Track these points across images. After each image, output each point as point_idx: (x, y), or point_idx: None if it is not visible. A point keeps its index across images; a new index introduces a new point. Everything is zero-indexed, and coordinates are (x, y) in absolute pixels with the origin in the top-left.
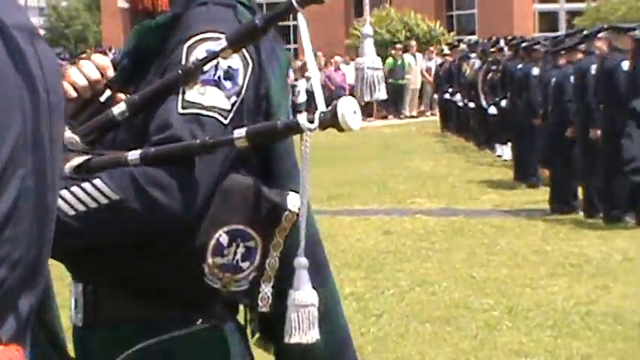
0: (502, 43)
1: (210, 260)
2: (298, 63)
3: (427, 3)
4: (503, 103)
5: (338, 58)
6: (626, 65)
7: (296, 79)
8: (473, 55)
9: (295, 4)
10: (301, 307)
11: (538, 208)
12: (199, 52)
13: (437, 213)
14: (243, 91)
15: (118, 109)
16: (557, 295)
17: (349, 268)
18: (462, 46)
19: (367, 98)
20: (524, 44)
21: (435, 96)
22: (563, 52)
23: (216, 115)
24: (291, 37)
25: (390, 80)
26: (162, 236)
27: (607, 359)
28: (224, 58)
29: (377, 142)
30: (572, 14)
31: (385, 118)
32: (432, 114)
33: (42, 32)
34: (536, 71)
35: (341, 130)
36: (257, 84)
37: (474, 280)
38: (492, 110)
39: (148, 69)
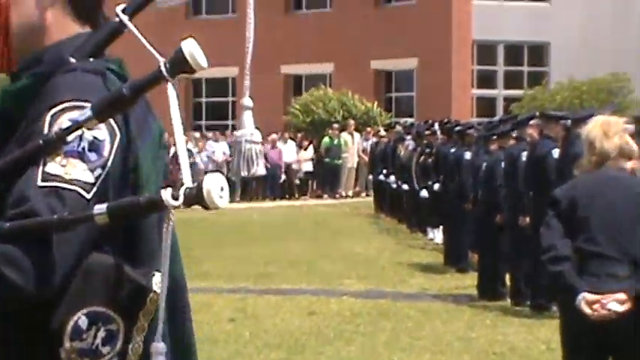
0: (436, 126)
1: (67, 344)
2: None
3: (366, 84)
4: (436, 186)
5: (274, 136)
6: (556, 153)
7: (231, 156)
8: (408, 137)
9: (165, 73)
10: None
11: (466, 293)
12: (63, 122)
13: (364, 295)
14: (108, 164)
15: None
16: None
17: (270, 349)
18: (398, 127)
19: (244, 174)
20: (457, 128)
21: (370, 177)
22: (495, 137)
23: (77, 188)
24: (229, 112)
25: (327, 159)
26: (14, 318)
27: None
28: (89, 128)
29: (310, 222)
30: (510, 100)
31: (320, 197)
32: (368, 195)
33: None
34: (468, 155)
35: (206, 207)
36: (125, 156)
37: None
38: (424, 193)
39: (10, 135)
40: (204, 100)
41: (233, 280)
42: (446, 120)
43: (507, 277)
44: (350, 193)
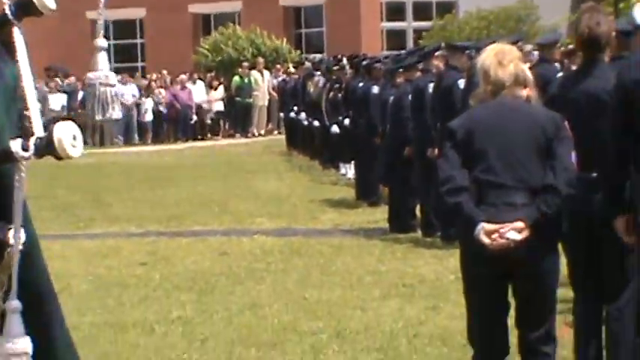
0: (345, 61)
1: None
2: (144, 82)
3: (275, 21)
4: (347, 121)
5: (183, 77)
6: (462, 84)
7: (141, 98)
8: (317, 73)
9: (11, 17)
10: (13, 357)
11: (377, 227)
12: None
13: (276, 233)
14: None
15: None
16: (388, 317)
17: (180, 291)
18: (307, 64)
19: (99, 117)
20: (364, 62)
21: (281, 114)
22: (401, 70)
23: None
24: (138, 54)
25: (238, 99)
26: None
27: None
28: None
29: (221, 161)
30: (420, 32)
31: (232, 137)
32: (280, 132)
33: None
34: (376, 89)
35: (59, 157)
36: None
37: (306, 301)
38: (335, 129)
39: None
40: (112, 42)
41: (143, 224)
42: (354, 55)
43: (418, 209)
44: (262, 131)
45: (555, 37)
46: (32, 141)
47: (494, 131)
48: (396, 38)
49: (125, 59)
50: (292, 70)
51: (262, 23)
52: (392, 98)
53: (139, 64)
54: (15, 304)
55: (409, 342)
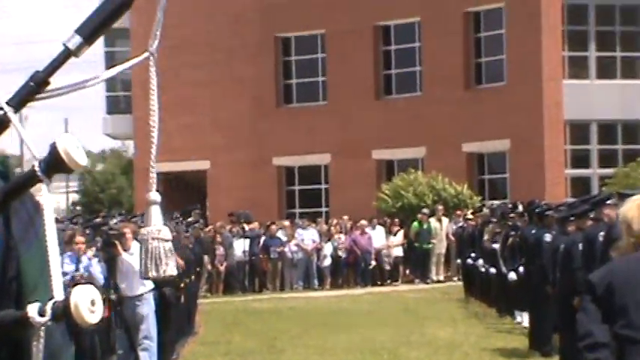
0: (520, 207)
1: None
2: (325, 227)
3: (458, 167)
4: (521, 269)
5: (363, 222)
6: None
7: (320, 243)
8: (494, 219)
9: (40, 173)
10: None
11: None
12: None
13: None
14: None
15: None
16: None
17: None
18: (485, 210)
19: (153, 274)
20: (536, 210)
21: (459, 261)
22: (572, 218)
23: None
24: (322, 199)
25: (416, 244)
26: None
27: None
28: None
29: (398, 308)
30: (605, 179)
31: (411, 282)
32: (459, 279)
33: (76, 196)
34: (548, 237)
35: (75, 323)
36: (4, 264)
37: None
38: (512, 276)
39: None
40: (297, 187)
41: None
42: (531, 201)
43: None
44: (441, 277)
45: None
46: (49, 305)
47: (636, 286)
48: (580, 185)
49: (309, 205)
50: (470, 216)
51: (445, 169)
52: (562, 247)
53: (323, 209)
54: None
55: None
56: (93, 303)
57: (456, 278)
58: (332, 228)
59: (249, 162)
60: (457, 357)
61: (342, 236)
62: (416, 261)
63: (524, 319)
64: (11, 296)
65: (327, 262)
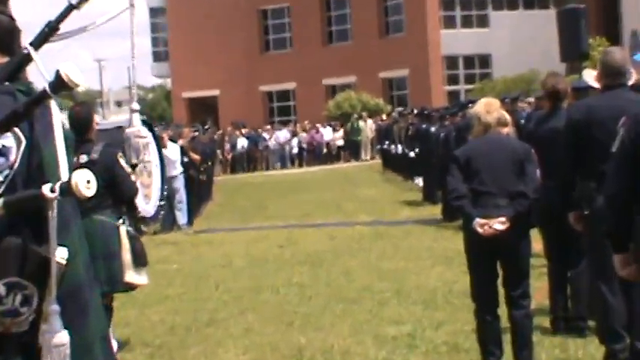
0: (415, 110)
1: None
2: (292, 128)
3: (377, 87)
4: (417, 150)
5: (318, 125)
6: None
7: (291, 138)
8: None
9: (49, 91)
10: (54, 348)
11: (435, 218)
12: None
13: (369, 224)
14: (15, 166)
15: None
16: (432, 279)
17: (300, 265)
18: (394, 114)
19: (134, 160)
20: (425, 111)
21: (378, 146)
22: (447, 116)
23: None
24: (291, 112)
25: (351, 137)
26: None
27: (456, 324)
28: None
29: (340, 177)
30: (468, 92)
31: (349, 161)
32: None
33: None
34: (433, 129)
35: (76, 197)
36: (29, 157)
37: (381, 269)
38: (411, 155)
39: None
40: (275, 104)
41: (286, 219)
42: (423, 107)
43: None
44: (368, 157)
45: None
46: (58, 185)
47: (485, 157)
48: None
49: (283, 115)
50: (385, 117)
51: (368, 89)
52: (442, 135)
53: (292, 117)
54: (55, 307)
55: (444, 296)
56: (88, 182)
57: (377, 157)
58: (298, 128)
59: (244, 89)
60: (378, 207)
61: (304, 134)
62: (351, 148)
63: (419, 181)
64: (37, 181)
65: (295, 150)
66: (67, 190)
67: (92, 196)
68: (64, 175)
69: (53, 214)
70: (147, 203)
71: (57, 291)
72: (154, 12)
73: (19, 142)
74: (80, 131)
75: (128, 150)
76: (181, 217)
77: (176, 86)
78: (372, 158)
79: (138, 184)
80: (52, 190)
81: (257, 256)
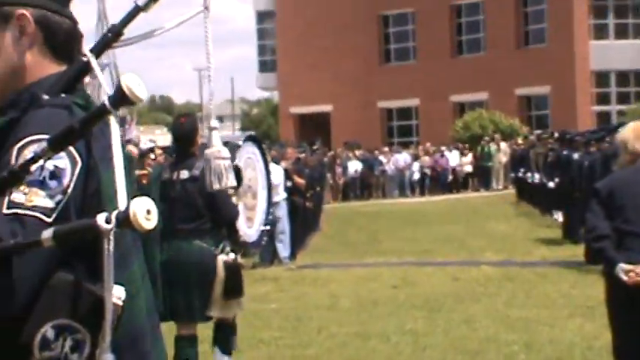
0: (556, 134)
1: (37, 355)
2: (413, 151)
3: (511, 106)
4: (557, 179)
5: (442, 147)
6: None
7: (412, 162)
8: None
9: (109, 106)
10: None
11: (576, 260)
12: (27, 154)
13: (498, 264)
14: (69, 190)
15: None
16: (569, 332)
17: (416, 309)
18: (531, 137)
19: (216, 186)
20: (567, 136)
21: (512, 174)
22: (593, 142)
23: (38, 214)
24: (413, 132)
25: (481, 163)
26: None
27: None
28: (49, 158)
29: (467, 209)
30: (620, 114)
31: (478, 190)
32: (513, 187)
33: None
34: (576, 156)
35: (134, 229)
36: (86, 181)
37: (508, 318)
38: (551, 185)
39: None
40: (395, 123)
41: (402, 255)
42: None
43: None
44: (500, 187)
45: None
46: (114, 214)
47: (631, 191)
48: (603, 118)
49: (403, 135)
50: (520, 141)
51: (502, 107)
52: (586, 163)
53: (414, 138)
54: (108, 357)
55: (582, 353)
56: (148, 212)
57: (510, 187)
58: (420, 151)
59: (360, 105)
60: (508, 245)
61: (427, 158)
62: (481, 175)
63: (559, 216)
64: (92, 209)
65: (416, 176)
66: (124, 221)
67: (192, 219)
68: (121, 203)
69: (109, 247)
70: (249, 227)
71: (112, 337)
72: (261, 16)
73: (74, 163)
74: (184, 144)
75: (208, 174)
76: (283, 249)
77: (283, 100)
78: (505, 188)
79: (240, 207)
80: (108, 221)
81: (366, 297)
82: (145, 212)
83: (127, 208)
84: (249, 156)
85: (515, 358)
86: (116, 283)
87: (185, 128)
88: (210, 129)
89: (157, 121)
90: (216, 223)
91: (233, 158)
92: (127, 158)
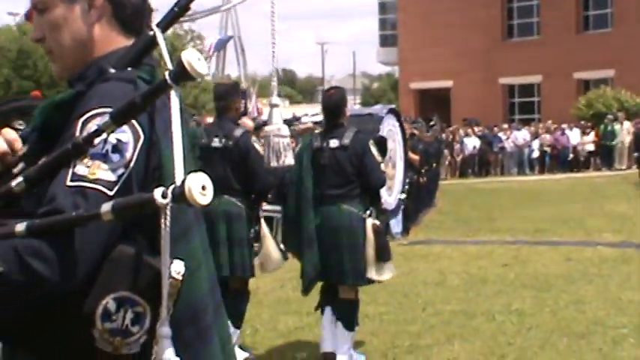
0: None
1: (99, 326)
2: (533, 129)
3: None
4: None
5: (563, 125)
6: None
7: (531, 140)
8: None
9: (169, 81)
10: None
11: None
12: (91, 127)
13: (615, 245)
14: (132, 164)
15: (16, 181)
16: None
17: (524, 288)
18: None
19: (274, 164)
20: None
21: (636, 154)
22: None
23: (100, 187)
24: (535, 110)
25: (604, 142)
26: (50, 304)
27: None
28: (112, 131)
29: (586, 189)
30: None
31: (599, 170)
32: (637, 167)
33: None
34: None
35: (189, 204)
36: (148, 155)
37: (620, 301)
38: None
39: (54, 144)
40: (516, 100)
41: (515, 234)
42: None
43: None
44: (623, 166)
45: None
46: (170, 189)
47: None
48: None
49: (524, 113)
50: None
51: (628, 85)
52: None
53: (536, 115)
54: (165, 330)
55: None
56: (204, 187)
57: (634, 167)
58: (540, 129)
59: (481, 81)
60: (628, 226)
61: (548, 136)
62: (603, 154)
63: None
64: (154, 182)
65: (535, 154)
66: (179, 196)
67: (342, 185)
68: (178, 178)
69: (166, 222)
70: (389, 195)
71: (172, 312)
72: None
73: (136, 137)
74: (332, 115)
75: (267, 151)
76: (395, 224)
77: (404, 75)
78: (628, 168)
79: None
80: (164, 196)
81: (476, 274)
82: (200, 188)
83: (183, 183)
84: (390, 128)
85: (624, 342)
86: (176, 257)
87: (333, 100)
88: (272, 106)
89: (279, 94)
90: (364, 190)
91: (377, 130)
92: (191, 133)
